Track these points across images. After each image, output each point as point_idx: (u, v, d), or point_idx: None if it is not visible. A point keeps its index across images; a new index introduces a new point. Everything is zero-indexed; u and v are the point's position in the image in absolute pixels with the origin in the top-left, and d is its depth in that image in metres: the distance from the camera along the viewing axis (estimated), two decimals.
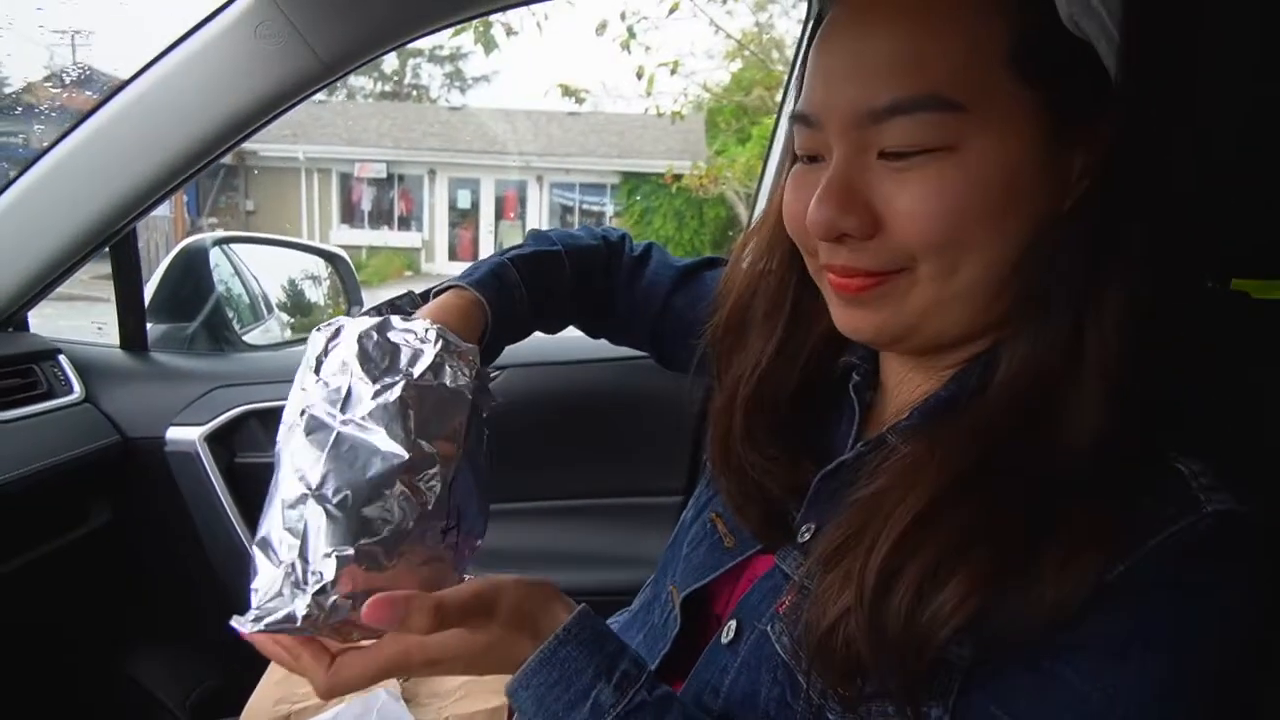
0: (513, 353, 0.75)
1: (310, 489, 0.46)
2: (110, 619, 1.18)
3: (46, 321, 1.18)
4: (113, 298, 1.20)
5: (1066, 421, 0.39)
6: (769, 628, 0.48)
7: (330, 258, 1.91)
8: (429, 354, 0.52)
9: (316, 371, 0.51)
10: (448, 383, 0.52)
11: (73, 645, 1.13)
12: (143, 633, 1.19)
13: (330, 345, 0.53)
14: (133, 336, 1.22)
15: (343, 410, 0.49)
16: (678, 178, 9.39)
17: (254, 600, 0.45)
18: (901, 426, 0.47)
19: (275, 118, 1.02)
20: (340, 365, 0.51)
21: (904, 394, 0.50)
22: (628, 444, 1.17)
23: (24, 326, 1.15)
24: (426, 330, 0.54)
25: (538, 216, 12.63)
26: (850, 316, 0.47)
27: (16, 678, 1.04)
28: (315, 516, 0.45)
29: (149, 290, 1.31)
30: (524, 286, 0.71)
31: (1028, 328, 0.42)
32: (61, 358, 1.14)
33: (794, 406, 0.54)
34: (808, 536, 0.49)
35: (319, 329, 0.54)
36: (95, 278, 1.22)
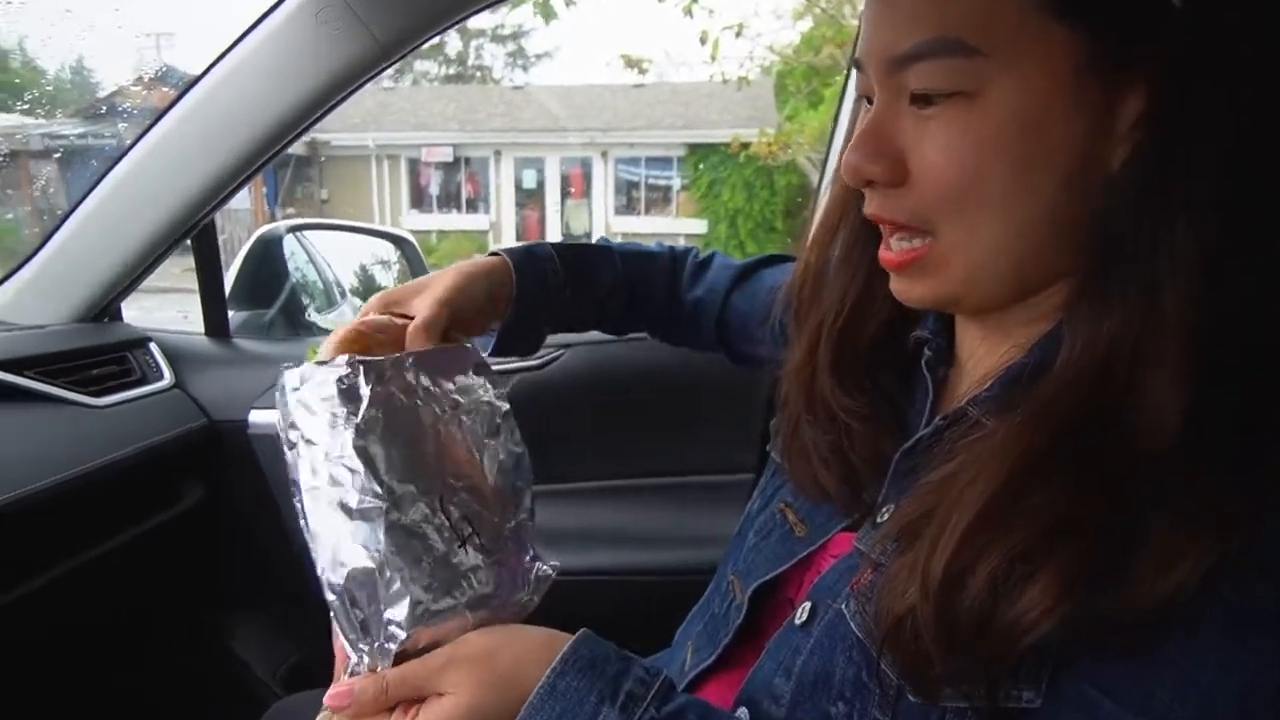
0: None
1: (379, 578, 0.45)
2: (205, 591, 1.26)
3: (144, 314, 1.26)
4: (197, 288, 1.27)
5: (1151, 394, 0.37)
6: (844, 606, 0.47)
7: (397, 241, 1.97)
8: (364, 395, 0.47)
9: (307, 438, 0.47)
10: (425, 421, 0.49)
11: (173, 615, 1.22)
12: (236, 605, 1.27)
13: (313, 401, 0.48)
14: (216, 324, 1.29)
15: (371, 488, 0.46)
16: (745, 146, 9.24)
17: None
18: (982, 398, 0.45)
19: (339, 102, 1.05)
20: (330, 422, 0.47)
21: (983, 363, 0.48)
22: (697, 420, 1.17)
23: (118, 317, 1.22)
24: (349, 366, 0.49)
25: (603, 193, 12.69)
26: (900, 284, 0.47)
27: (121, 644, 1.13)
28: (391, 601, 0.45)
29: (229, 279, 1.38)
30: (561, 267, 0.72)
31: (1091, 298, 0.39)
32: (152, 345, 1.21)
33: (874, 363, 0.54)
34: (886, 517, 0.48)
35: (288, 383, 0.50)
36: (186, 270, 1.29)
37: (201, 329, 1.29)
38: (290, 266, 1.56)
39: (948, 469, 0.41)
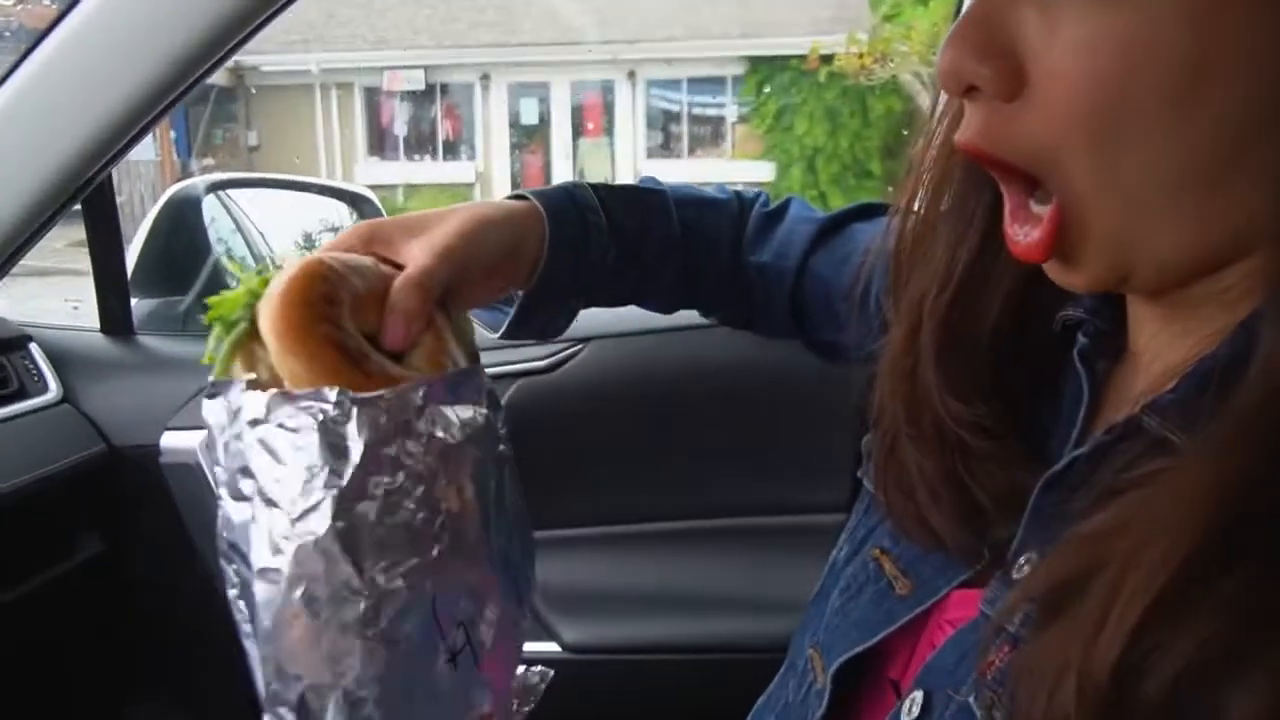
0: (604, 318, 0.77)
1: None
2: (105, 666, 1.28)
3: (19, 305, 1.30)
4: (90, 269, 1.29)
5: None
6: (971, 698, 0.47)
7: (353, 200, 2.00)
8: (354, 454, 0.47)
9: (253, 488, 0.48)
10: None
11: (64, 697, 1.24)
12: (142, 681, 1.30)
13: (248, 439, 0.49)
14: (115, 317, 1.32)
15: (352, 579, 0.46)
16: (827, 59, 9.20)
17: None
18: (1165, 402, 0.44)
19: (275, 13, 1.05)
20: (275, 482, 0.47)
21: (1163, 357, 0.47)
22: (767, 440, 1.17)
23: None
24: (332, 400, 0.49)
25: (630, 128, 12.71)
26: (1054, 274, 0.46)
27: None
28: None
29: (131, 256, 1.41)
30: (604, 214, 0.73)
31: None
32: (33, 347, 1.25)
33: (997, 355, 0.53)
34: (1026, 569, 0.47)
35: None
36: (71, 245, 1.32)
37: (96, 323, 1.32)
38: (212, 237, 1.58)
39: (1119, 510, 0.40)
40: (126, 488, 1.22)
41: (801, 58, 10.67)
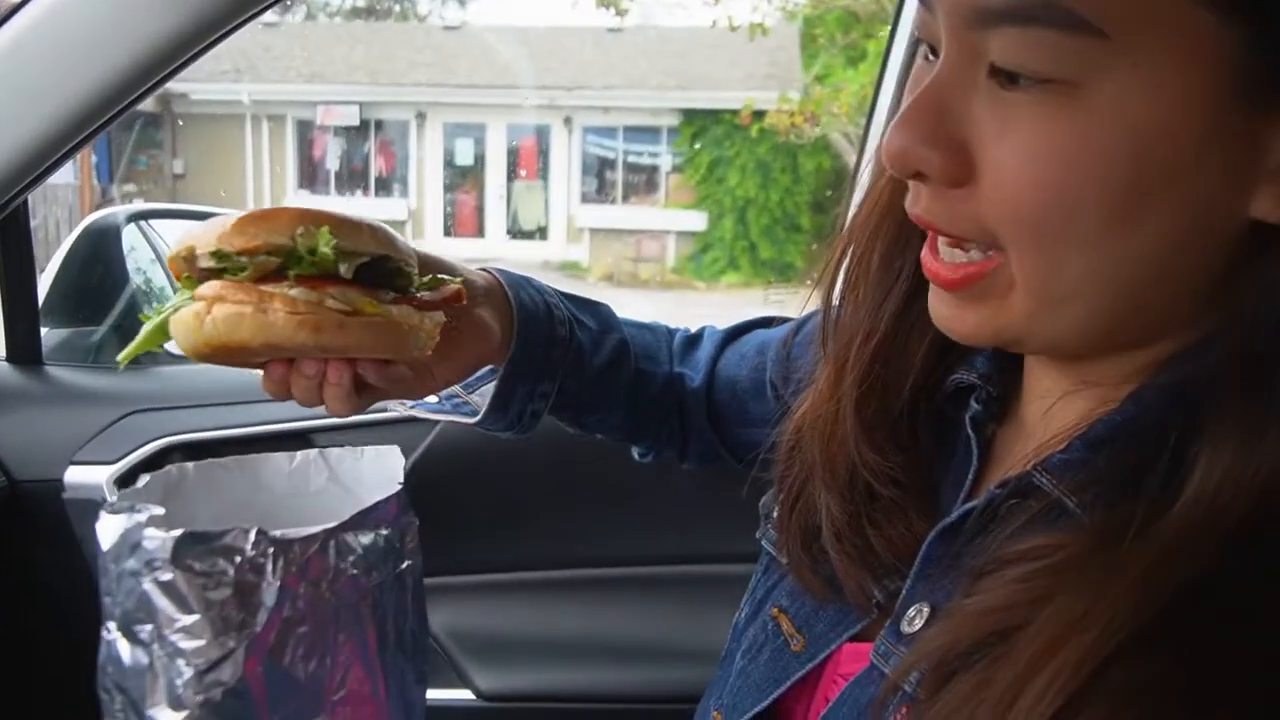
0: None
1: None
2: None
3: None
4: None
5: None
6: None
7: None
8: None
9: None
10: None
11: None
12: None
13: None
14: (22, 345, 1.28)
15: None
16: (759, 115, 9.36)
17: None
18: (1056, 461, 0.45)
19: (208, 45, 1.03)
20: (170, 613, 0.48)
21: (1056, 418, 0.48)
22: (692, 492, 1.17)
23: None
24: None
25: (565, 173, 12.75)
26: (944, 308, 0.48)
27: None
28: None
29: (43, 284, 1.37)
30: (564, 304, 0.78)
31: (1232, 415, 0.39)
32: None
33: (915, 408, 0.55)
34: (918, 624, 0.48)
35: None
36: None
37: (1, 351, 1.29)
38: (130, 267, 1.54)
39: (1024, 585, 0.41)
40: (25, 526, 1.18)
41: (735, 112, 10.84)
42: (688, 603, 1.18)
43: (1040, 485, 0.45)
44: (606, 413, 0.83)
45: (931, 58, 0.46)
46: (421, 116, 12.91)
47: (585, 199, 12.79)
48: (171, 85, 1.05)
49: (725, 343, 0.87)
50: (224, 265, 0.54)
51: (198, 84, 11.53)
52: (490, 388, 0.74)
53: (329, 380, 0.59)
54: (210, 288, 0.54)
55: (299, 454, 0.64)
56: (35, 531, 1.18)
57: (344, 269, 0.55)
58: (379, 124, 13.14)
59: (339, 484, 0.66)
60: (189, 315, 0.54)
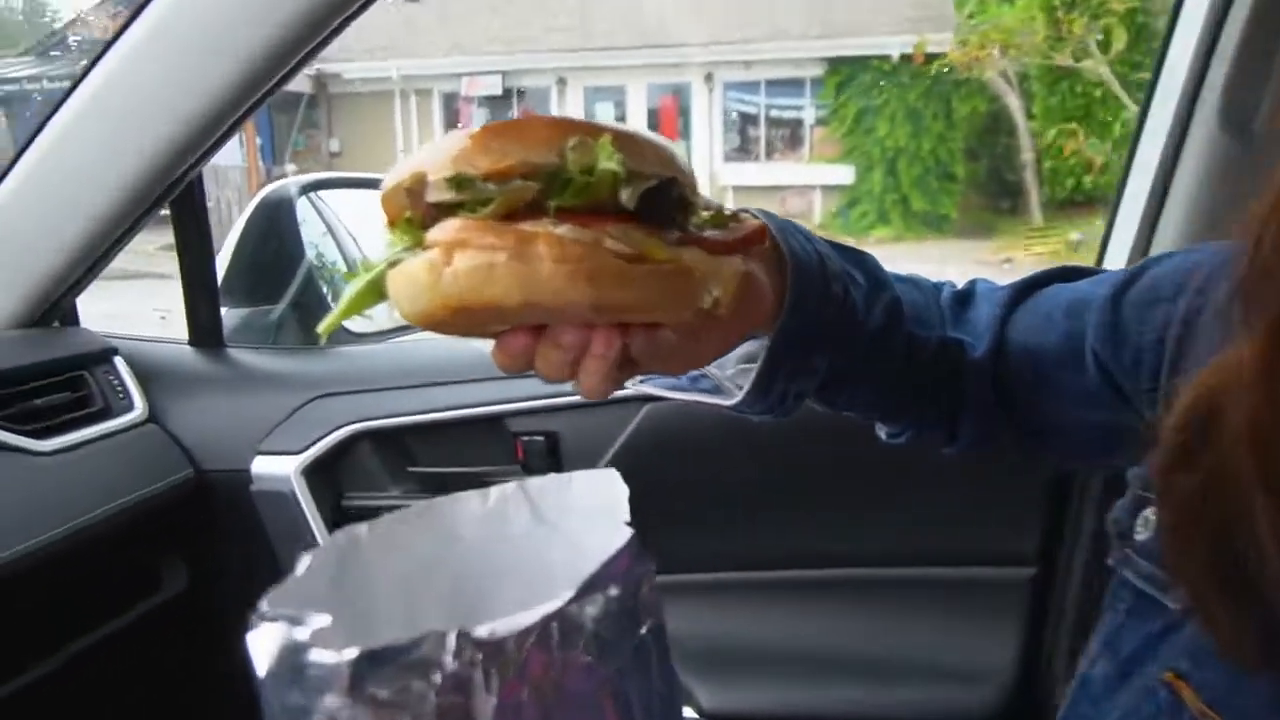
0: None
1: None
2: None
3: (103, 317, 1.24)
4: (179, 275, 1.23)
5: None
6: None
7: None
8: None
9: None
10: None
11: None
12: None
13: None
14: (205, 328, 1.26)
15: None
16: (931, 57, 9.07)
17: None
18: None
19: (352, 16, 0.99)
20: None
21: None
22: (935, 482, 1.02)
23: (72, 320, 1.19)
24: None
25: (707, 132, 12.67)
26: None
27: None
28: None
29: (222, 262, 1.34)
30: (834, 254, 0.63)
31: None
32: (118, 361, 1.17)
33: None
34: None
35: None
36: (162, 248, 1.26)
37: (185, 334, 1.26)
38: (304, 241, 1.50)
39: None
40: (215, 517, 1.15)
41: (884, 58, 10.53)
42: (956, 612, 1.04)
43: None
44: (868, 387, 0.70)
45: None
46: (562, 82, 13.10)
47: (728, 157, 12.78)
48: (324, 65, 0.99)
49: (1013, 302, 0.72)
50: (463, 198, 0.41)
51: (349, 63, 12.01)
52: (734, 359, 0.62)
53: (593, 352, 0.46)
54: (447, 229, 0.41)
55: (493, 491, 0.51)
56: (223, 525, 1.15)
57: (626, 196, 0.41)
58: (520, 92, 13.35)
59: (545, 523, 0.53)
60: (420, 268, 0.41)
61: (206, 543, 1.16)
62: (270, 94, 1.06)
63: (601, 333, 0.46)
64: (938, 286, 0.75)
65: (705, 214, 0.48)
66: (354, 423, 1.13)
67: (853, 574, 1.06)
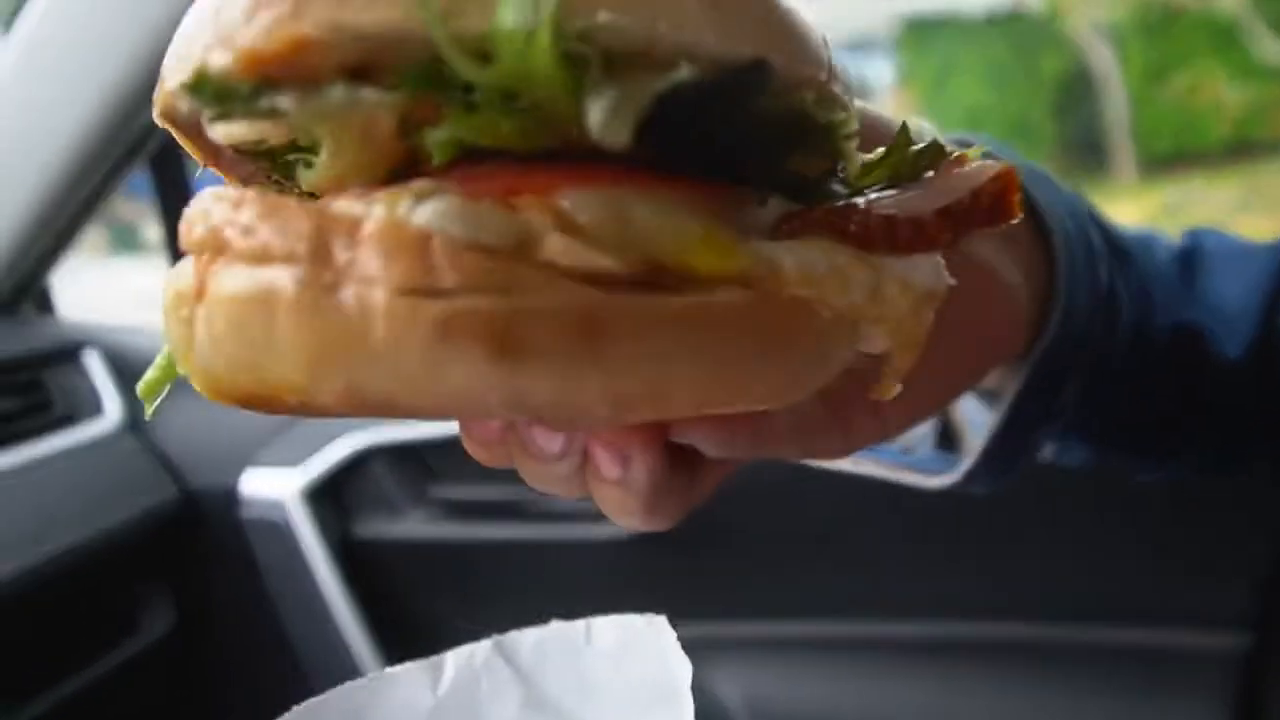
0: None
1: None
2: None
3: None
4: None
5: None
6: None
7: None
8: None
9: None
10: None
11: None
12: None
13: None
14: None
15: None
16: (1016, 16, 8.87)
17: None
18: None
19: None
20: None
21: None
22: (1119, 521, 0.81)
23: (45, 306, 1.11)
24: None
25: None
26: None
27: None
28: None
29: None
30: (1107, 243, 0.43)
31: None
32: (91, 354, 1.05)
33: None
34: None
35: None
36: None
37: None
38: None
39: None
40: (205, 543, 1.02)
41: (962, 16, 10.23)
42: (1135, 691, 0.82)
43: None
44: (1114, 415, 0.50)
45: None
46: None
47: None
48: None
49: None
50: (234, 132, 0.18)
51: None
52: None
53: (602, 475, 0.24)
54: (201, 216, 0.18)
55: (450, 659, 0.29)
56: (215, 553, 1.03)
57: (614, 113, 0.16)
58: None
59: (545, 711, 0.31)
60: (170, 304, 0.19)
61: (194, 577, 1.02)
62: None
63: (607, 442, 0.24)
64: (1147, 243, 0.54)
65: (870, 156, 0.23)
66: (366, 435, 0.96)
67: (982, 632, 0.84)
